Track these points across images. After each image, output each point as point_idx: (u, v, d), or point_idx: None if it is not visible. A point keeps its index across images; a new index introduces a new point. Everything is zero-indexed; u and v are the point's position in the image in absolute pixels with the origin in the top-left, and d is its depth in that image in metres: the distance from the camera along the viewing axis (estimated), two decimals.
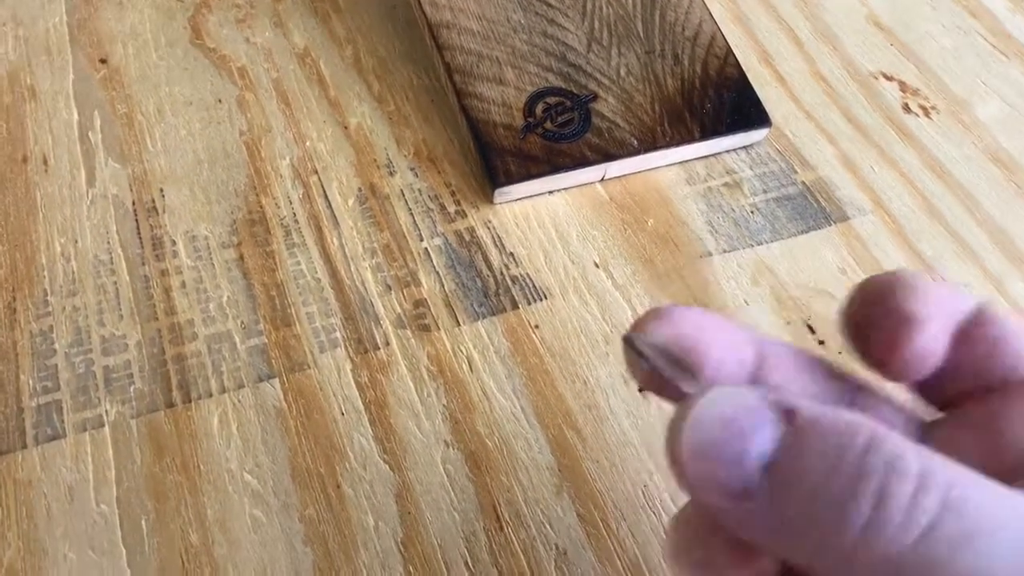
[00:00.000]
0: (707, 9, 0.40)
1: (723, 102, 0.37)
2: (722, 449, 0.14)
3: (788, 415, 0.14)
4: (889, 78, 0.42)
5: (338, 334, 0.32)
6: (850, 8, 0.45)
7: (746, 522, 0.15)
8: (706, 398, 0.15)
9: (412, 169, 0.37)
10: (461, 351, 0.31)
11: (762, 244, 0.35)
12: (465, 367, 0.31)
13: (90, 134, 0.37)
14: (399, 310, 0.32)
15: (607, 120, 0.36)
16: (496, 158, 0.35)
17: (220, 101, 0.38)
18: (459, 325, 0.32)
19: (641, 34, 0.39)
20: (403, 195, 0.36)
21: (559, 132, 0.36)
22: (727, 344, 0.17)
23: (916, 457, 0.14)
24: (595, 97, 0.37)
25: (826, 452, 0.14)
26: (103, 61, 0.39)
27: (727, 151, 0.38)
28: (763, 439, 0.14)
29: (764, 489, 0.14)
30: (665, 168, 0.37)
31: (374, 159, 0.37)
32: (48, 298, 0.32)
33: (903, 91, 0.41)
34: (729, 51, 0.39)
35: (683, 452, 0.15)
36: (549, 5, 0.39)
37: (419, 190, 0.36)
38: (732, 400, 0.15)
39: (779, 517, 0.14)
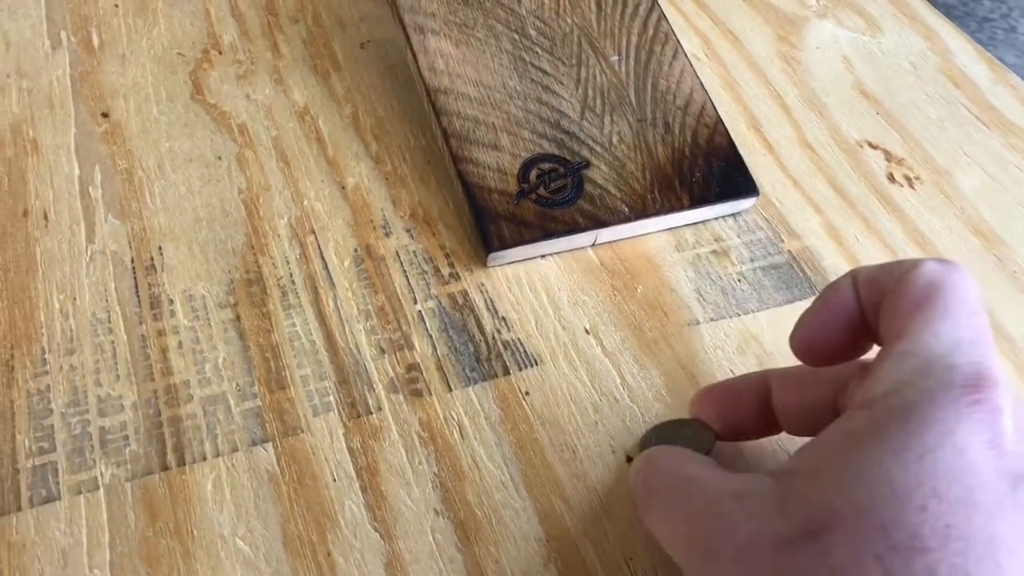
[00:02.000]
0: (698, 78, 0.41)
1: (712, 171, 0.38)
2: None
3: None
4: (874, 147, 0.43)
5: (331, 398, 0.32)
6: (837, 75, 0.46)
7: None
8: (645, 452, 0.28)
9: (408, 230, 0.37)
10: (452, 417, 0.32)
11: (748, 313, 0.36)
12: (456, 434, 0.32)
13: (91, 189, 0.37)
14: (392, 374, 0.33)
15: (599, 187, 0.37)
16: (490, 223, 0.36)
17: (220, 158, 0.39)
18: (451, 390, 0.33)
19: (633, 103, 0.40)
20: (398, 256, 0.36)
21: (552, 198, 0.37)
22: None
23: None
24: (588, 164, 0.38)
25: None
26: (105, 115, 0.40)
27: (716, 218, 0.39)
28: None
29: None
30: (655, 234, 0.38)
31: (370, 220, 0.38)
32: (46, 356, 0.32)
33: (888, 160, 0.43)
34: (719, 120, 0.40)
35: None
36: (544, 72, 0.40)
37: (414, 252, 0.37)
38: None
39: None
